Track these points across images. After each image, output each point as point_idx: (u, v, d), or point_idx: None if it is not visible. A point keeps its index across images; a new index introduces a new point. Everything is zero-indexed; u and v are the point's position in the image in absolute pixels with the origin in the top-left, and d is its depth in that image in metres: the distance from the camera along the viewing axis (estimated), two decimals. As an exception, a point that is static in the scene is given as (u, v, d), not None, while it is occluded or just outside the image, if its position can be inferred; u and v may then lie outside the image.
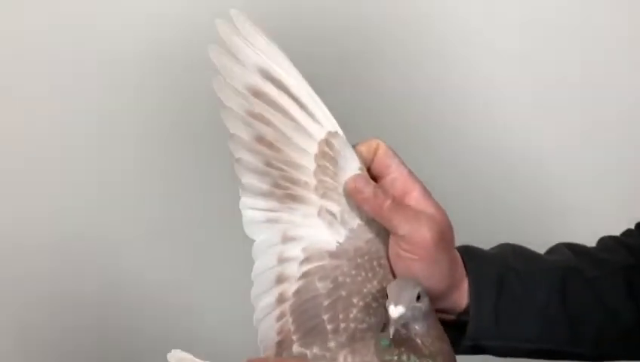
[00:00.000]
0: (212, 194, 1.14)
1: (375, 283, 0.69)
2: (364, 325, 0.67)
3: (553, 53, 1.16)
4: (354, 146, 0.69)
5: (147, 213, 1.18)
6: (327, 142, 0.68)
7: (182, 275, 1.20)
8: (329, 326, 0.68)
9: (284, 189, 0.69)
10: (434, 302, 0.67)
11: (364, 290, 0.68)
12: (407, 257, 0.68)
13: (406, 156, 0.71)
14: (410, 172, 0.70)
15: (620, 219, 0.83)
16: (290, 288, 0.69)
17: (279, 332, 0.69)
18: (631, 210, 0.84)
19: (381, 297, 0.68)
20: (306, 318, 0.69)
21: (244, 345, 0.72)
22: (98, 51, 1.11)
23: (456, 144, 1.19)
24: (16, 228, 1.15)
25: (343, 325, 0.68)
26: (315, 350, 0.68)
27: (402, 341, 0.63)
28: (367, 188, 0.67)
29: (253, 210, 0.70)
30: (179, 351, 0.70)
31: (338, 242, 0.69)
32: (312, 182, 0.69)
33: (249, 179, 0.69)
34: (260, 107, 0.68)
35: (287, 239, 0.70)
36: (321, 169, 0.68)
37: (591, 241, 0.80)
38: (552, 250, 0.78)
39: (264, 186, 0.69)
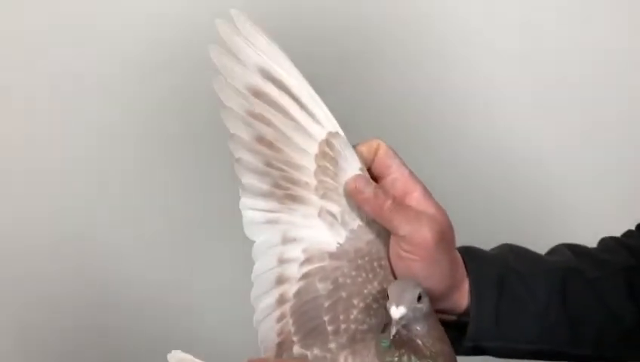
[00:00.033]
0: (212, 194, 1.13)
1: (376, 284, 0.68)
2: (365, 326, 0.67)
3: (553, 53, 1.16)
4: (354, 146, 0.69)
5: (147, 213, 1.17)
6: (327, 142, 0.68)
7: (182, 275, 1.20)
8: (329, 328, 0.68)
9: (284, 190, 0.69)
10: (434, 303, 0.67)
11: (365, 291, 0.68)
12: (407, 258, 0.68)
13: (406, 156, 0.71)
14: (411, 172, 0.70)
15: (620, 220, 0.83)
16: (291, 289, 0.69)
17: (279, 334, 0.69)
18: (631, 211, 0.84)
19: (382, 298, 0.68)
20: (306, 319, 0.69)
21: (244, 345, 0.72)
22: (98, 51, 1.10)
23: (456, 144, 1.19)
24: (16, 228, 1.15)
25: (343, 326, 0.68)
26: (316, 351, 0.68)
27: (403, 342, 0.63)
28: (368, 189, 0.67)
29: (253, 210, 0.69)
30: (179, 351, 0.69)
31: (338, 243, 0.69)
32: (313, 182, 0.68)
33: (249, 180, 0.69)
34: (260, 107, 0.67)
35: (287, 240, 0.69)
36: (321, 169, 0.68)
37: (591, 242, 0.80)
38: (553, 251, 0.78)
39: (264, 187, 0.69)
